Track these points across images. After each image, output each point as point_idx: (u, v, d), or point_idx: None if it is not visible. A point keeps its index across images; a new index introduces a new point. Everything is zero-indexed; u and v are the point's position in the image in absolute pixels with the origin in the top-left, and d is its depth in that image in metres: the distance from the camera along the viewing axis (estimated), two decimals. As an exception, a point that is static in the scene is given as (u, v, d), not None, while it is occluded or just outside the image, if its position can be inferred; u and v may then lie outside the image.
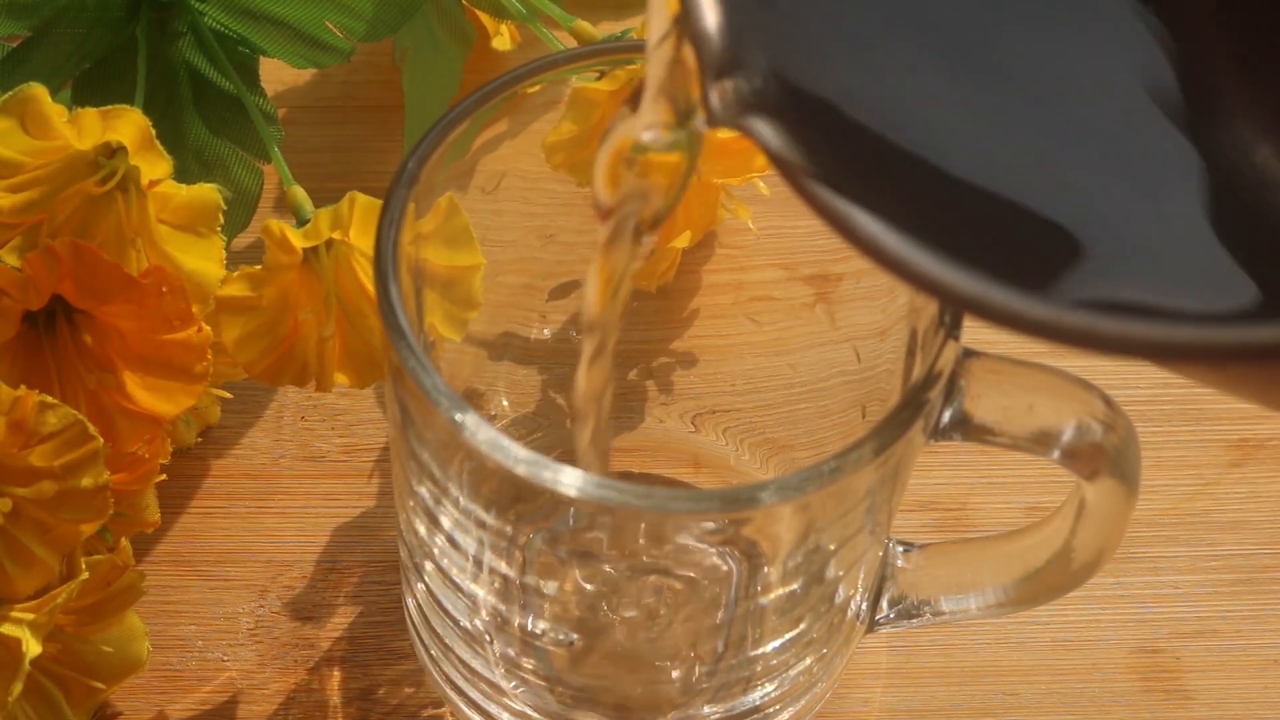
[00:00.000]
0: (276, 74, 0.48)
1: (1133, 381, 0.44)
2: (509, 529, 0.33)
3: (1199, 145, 0.23)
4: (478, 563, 0.33)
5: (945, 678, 0.39)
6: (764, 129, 0.23)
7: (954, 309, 0.21)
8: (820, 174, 0.22)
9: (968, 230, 0.22)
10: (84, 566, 0.34)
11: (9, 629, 0.34)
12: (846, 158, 0.23)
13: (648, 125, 0.27)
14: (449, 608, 0.34)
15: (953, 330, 0.30)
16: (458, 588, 0.33)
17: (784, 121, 0.23)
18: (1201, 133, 0.23)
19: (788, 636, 0.34)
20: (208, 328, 0.35)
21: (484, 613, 0.34)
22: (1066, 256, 0.22)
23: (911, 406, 0.29)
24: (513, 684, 0.35)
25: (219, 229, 0.36)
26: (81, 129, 0.34)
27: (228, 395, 0.42)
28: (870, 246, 0.22)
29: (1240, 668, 0.40)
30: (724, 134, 0.26)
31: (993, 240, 0.22)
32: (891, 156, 0.23)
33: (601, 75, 0.37)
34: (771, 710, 0.35)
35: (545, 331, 0.39)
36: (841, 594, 0.33)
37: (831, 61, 0.24)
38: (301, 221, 0.36)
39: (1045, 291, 0.21)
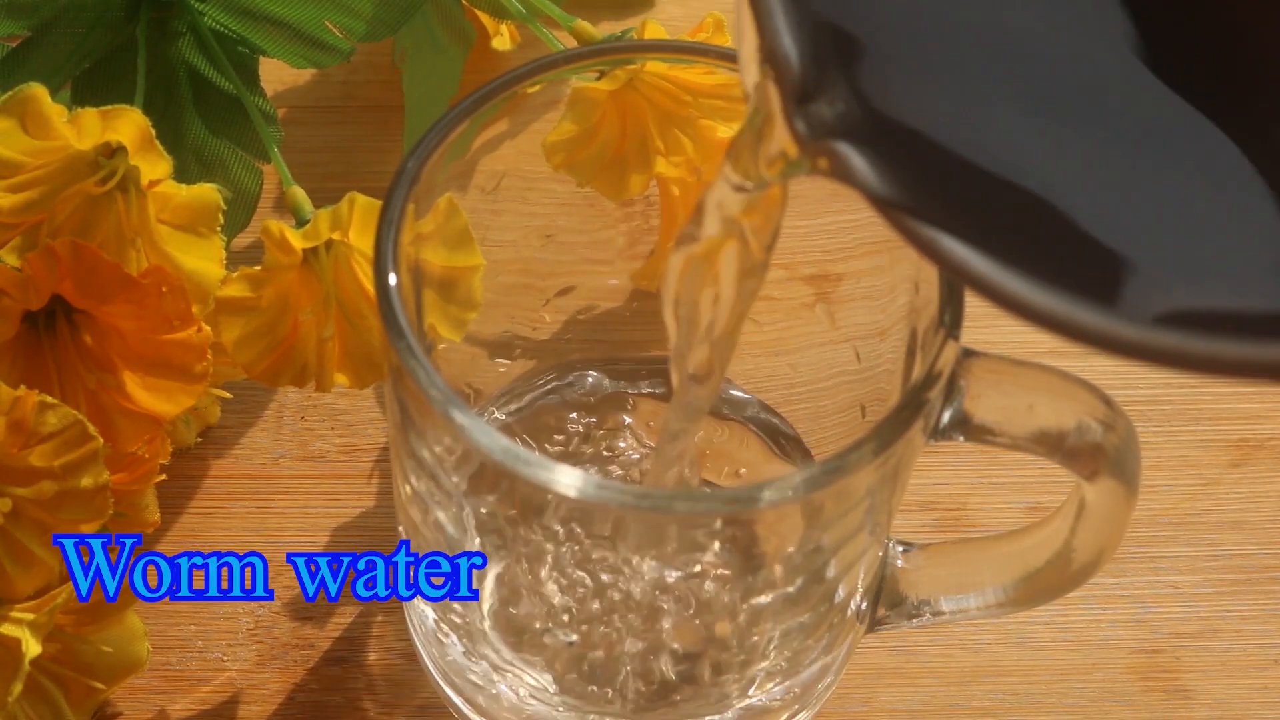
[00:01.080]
0: (276, 74, 0.48)
1: (1133, 381, 0.44)
2: (508, 528, 0.33)
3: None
4: (478, 563, 0.33)
5: (945, 678, 0.39)
6: (849, 153, 0.22)
7: (1038, 326, 0.21)
8: (906, 200, 0.22)
9: (1057, 251, 0.22)
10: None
11: (9, 629, 0.34)
12: (931, 181, 0.23)
13: (734, 184, 0.27)
14: (449, 607, 0.34)
15: (953, 330, 0.30)
16: (458, 588, 0.33)
17: (869, 145, 0.22)
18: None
19: (788, 636, 0.34)
20: (208, 328, 0.35)
21: (484, 611, 0.34)
22: (1164, 279, 0.22)
23: (911, 406, 0.29)
24: (513, 682, 0.35)
25: (219, 229, 0.36)
26: (81, 129, 0.34)
27: (228, 395, 0.42)
28: (962, 271, 0.22)
29: (1240, 668, 0.40)
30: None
31: (1083, 262, 0.22)
32: (976, 178, 0.23)
33: (601, 75, 0.37)
34: (772, 710, 0.35)
35: (545, 332, 0.39)
36: (841, 594, 0.33)
37: (915, 84, 0.24)
38: (301, 222, 0.36)
39: (1140, 313, 0.21)
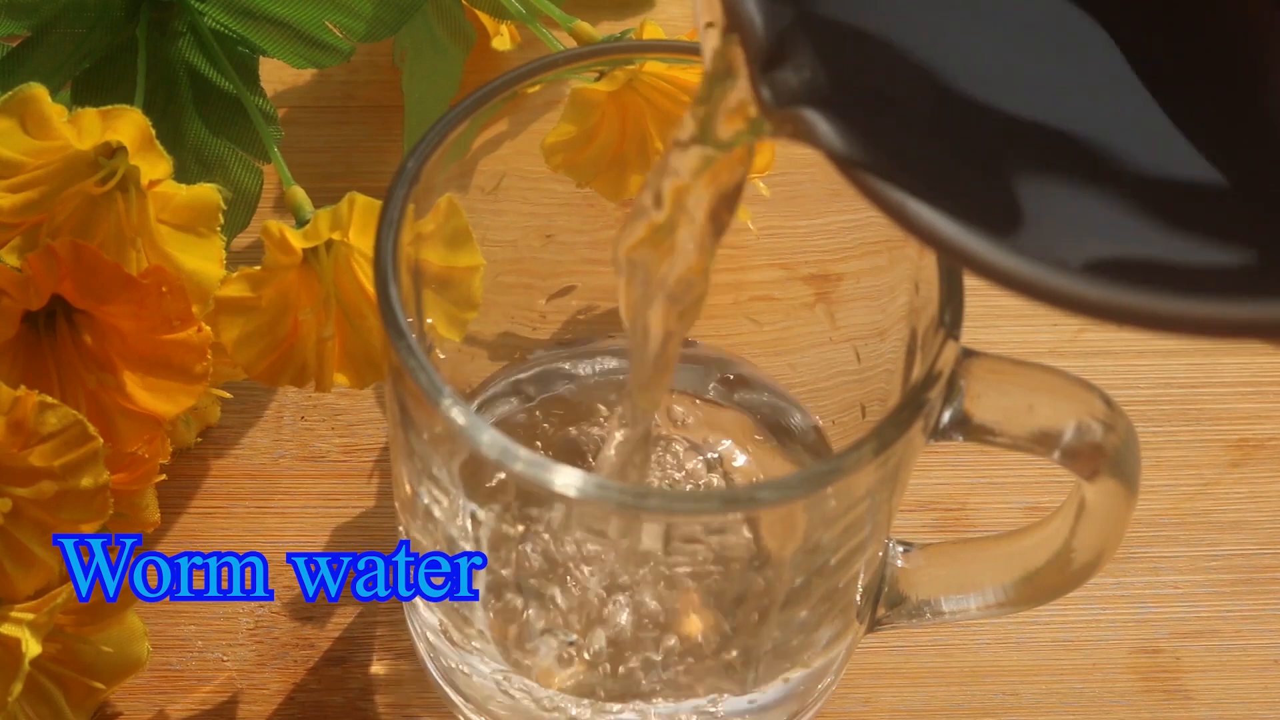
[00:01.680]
0: (276, 74, 0.48)
1: (1133, 381, 0.44)
2: (508, 528, 0.33)
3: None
4: (477, 563, 0.33)
5: (945, 678, 0.39)
6: (815, 119, 0.23)
7: (1010, 292, 0.21)
8: (872, 163, 0.22)
9: (1022, 214, 0.22)
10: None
11: (9, 629, 0.34)
12: (896, 144, 0.23)
13: (693, 140, 0.27)
14: (449, 607, 0.34)
15: (952, 330, 0.30)
16: (457, 588, 0.33)
17: (834, 111, 0.23)
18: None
19: (787, 635, 0.34)
20: (208, 328, 0.35)
21: (484, 611, 0.34)
22: (1114, 235, 0.22)
23: (911, 406, 0.29)
24: (513, 682, 0.35)
25: (219, 229, 0.36)
26: (81, 129, 0.34)
27: (228, 395, 0.42)
28: (926, 234, 0.22)
29: (1240, 668, 0.40)
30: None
31: (1051, 224, 0.22)
32: (940, 141, 0.23)
33: (601, 75, 0.37)
34: (772, 709, 0.35)
35: (545, 332, 0.39)
36: (841, 593, 0.33)
37: (879, 46, 0.24)
38: (301, 222, 0.36)
39: (1078, 264, 0.21)
